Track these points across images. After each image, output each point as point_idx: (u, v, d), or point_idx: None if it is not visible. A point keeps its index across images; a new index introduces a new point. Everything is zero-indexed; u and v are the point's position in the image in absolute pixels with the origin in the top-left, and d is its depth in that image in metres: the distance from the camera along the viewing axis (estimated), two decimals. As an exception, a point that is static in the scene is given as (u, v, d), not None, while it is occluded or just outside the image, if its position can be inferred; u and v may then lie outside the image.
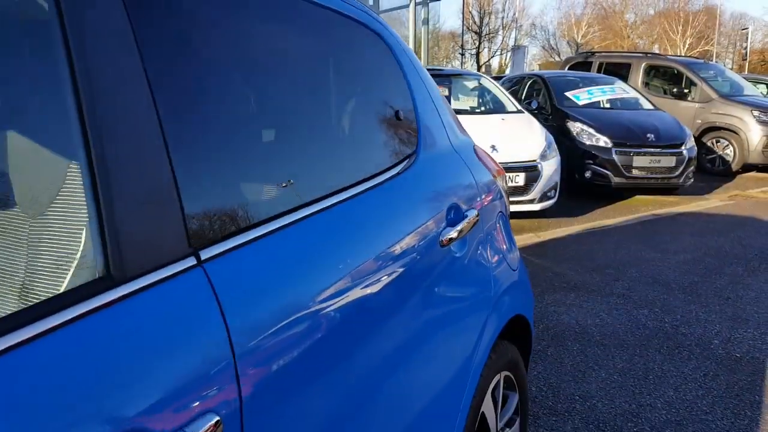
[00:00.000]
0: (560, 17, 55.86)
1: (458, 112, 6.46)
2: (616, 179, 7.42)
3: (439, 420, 1.35)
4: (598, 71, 10.92)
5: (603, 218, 6.60)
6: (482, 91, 7.77)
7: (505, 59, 43.83)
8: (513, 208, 5.75)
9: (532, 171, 6.07)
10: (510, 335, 1.86)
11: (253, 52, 1.03)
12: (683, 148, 7.62)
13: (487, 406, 1.67)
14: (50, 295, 0.67)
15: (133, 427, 0.65)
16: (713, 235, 5.82)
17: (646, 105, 8.78)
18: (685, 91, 10.28)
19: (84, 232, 0.74)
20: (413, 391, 1.23)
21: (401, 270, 1.18)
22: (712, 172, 9.62)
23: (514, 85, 9.80)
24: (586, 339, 3.36)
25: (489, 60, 42.81)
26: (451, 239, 1.42)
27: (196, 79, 0.90)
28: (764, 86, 14.20)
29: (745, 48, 34.17)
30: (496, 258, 1.69)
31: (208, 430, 0.70)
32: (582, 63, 11.86)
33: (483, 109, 7.56)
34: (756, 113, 9.44)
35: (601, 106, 8.57)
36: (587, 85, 8.83)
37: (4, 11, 0.73)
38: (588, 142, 7.58)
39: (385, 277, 1.13)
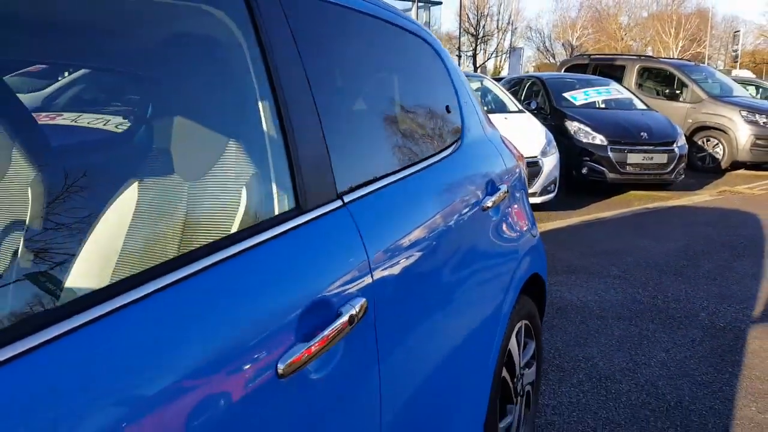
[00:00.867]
0: (555, 20, 56.39)
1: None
2: (611, 175, 7.84)
3: (481, 346, 1.74)
4: (594, 73, 11.35)
5: (599, 211, 7.01)
6: (485, 91, 8.18)
7: (500, 61, 44.36)
8: (516, 201, 6.15)
9: (533, 166, 6.47)
10: (528, 292, 2.26)
11: (359, 64, 1.43)
12: (675, 145, 8.05)
13: (513, 345, 2.07)
14: (228, 232, 1.02)
15: (320, 298, 1.04)
16: (702, 226, 6.24)
17: (640, 105, 9.21)
18: (677, 92, 10.73)
19: (244, 189, 1.12)
20: (465, 318, 1.63)
21: (461, 222, 1.59)
22: (702, 169, 10.06)
23: (514, 86, 10.20)
24: (587, 312, 3.77)
25: (485, 62, 43.29)
26: (487, 207, 1.82)
27: (332, 84, 1.29)
28: (754, 88, 14.68)
29: (735, 50, 34.72)
30: (519, 225, 2.10)
31: (361, 305, 1.09)
32: (578, 65, 12.30)
33: (486, 108, 7.96)
34: (744, 113, 9.89)
35: (597, 106, 8.99)
36: (584, 87, 9.26)
37: (227, 46, 1.12)
38: (585, 140, 8.01)
39: (452, 223, 1.53)
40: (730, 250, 5.29)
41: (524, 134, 6.85)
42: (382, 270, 1.20)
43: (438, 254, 1.47)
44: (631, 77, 11.11)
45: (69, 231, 0.95)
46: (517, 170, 2.17)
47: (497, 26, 43.55)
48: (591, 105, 8.92)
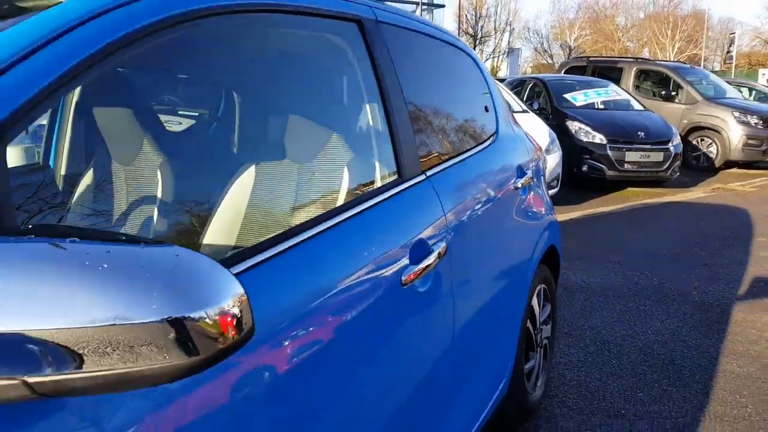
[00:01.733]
0: (553, 21, 56.88)
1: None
2: (610, 172, 8.31)
3: (515, 290, 2.20)
4: (593, 75, 11.79)
5: (599, 206, 7.47)
6: (490, 92, 8.61)
7: (498, 62, 44.85)
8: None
9: (538, 163, 6.92)
10: (546, 262, 2.71)
11: (429, 75, 1.89)
12: (670, 144, 8.52)
13: (534, 303, 2.52)
14: (369, 189, 1.46)
15: (420, 239, 1.48)
16: (696, 219, 6.70)
17: (637, 106, 9.68)
18: (673, 93, 11.19)
19: (345, 168, 1.56)
20: (504, 267, 2.09)
21: (502, 196, 2.04)
22: (697, 167, 10.53)
23: (516, 87, 10.64)
24: (591, 291, 4.23)
25: (484, 62, 43.78)
26: (518, 187, 2.27)
27: (414, 90, 1.74)
28: (747, 89, 15.17)
29: (730, 52, 35.28)
30: (540, 204, 2.55)
31: (444, 246, 1.53)
32: (577, 67, 12.76)
33: (492, 109, 8.40)
34: (736, 114, 10.37)
35: (596, 107, 9.44)
36: (583, 88, 9.72)
37: (346, 63, 1.56)
38: (585, 139, 8.47)
39: (497, 196, 1.99)
40: (721, 240, 5.75)
41: (529, 133, 7.29)
42: (453, 225, 1.65)
43: (487, 217, 1.92)
44: (629, 79, 11.57)
45: (197, 203, 1.29)
46: (538, 160, 2.63)
47: (494, 27, 44.08)
48: (590, 106, 9.37)
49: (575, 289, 4.25)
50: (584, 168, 8.39)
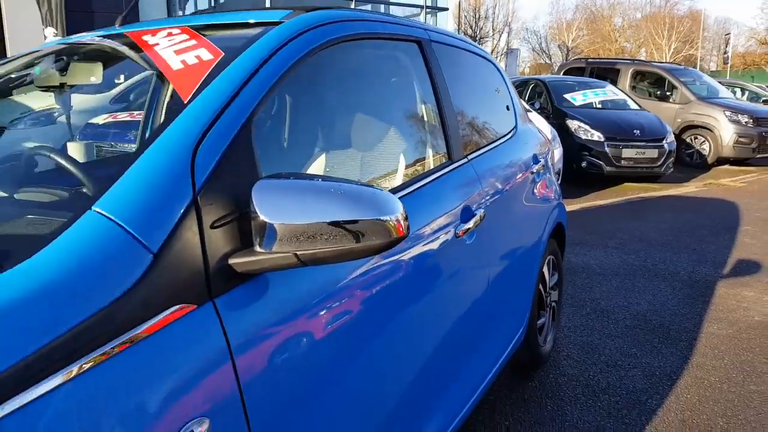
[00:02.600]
0: (551, 21, 57.38)
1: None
2: (607, 168, 8.82)
3: (532, 256, 2.69)
4: (591, 76, 12.31)
5: (597, 199, 7.98)
6: (495, 93, 9.11)
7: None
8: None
9: (540, 159, 7.43)
10: (554, 236, 3.21)
11: (465, 81, 2.38)
12: (664, 142, 9.03)
13: (545, 270, 3.02)
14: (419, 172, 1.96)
15: (466, 205, 1.97)
16: (688, 211, 7.21)
17: (633, 105, 10.19)
18: (667, 93, 11.72)
19: (401, 156, 2.05)
20: (525, 235, 2.59)
21: (523, 177, 2.55)
22: (690, 164, 11.05)
23: (518, 88, 11.14)
24: (590, 270, 4.73)
25: (482, 62, 44.18)
26: (533, 172, 2.77)
27: (456, 93, 2.23)
28: (739, 89, 15.71)
29: (726, 53, 35.86)
30: (550, 187, 3.05)
31: (482, 213, 2.03)
32: (576, 68, 13.28)
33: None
34: (728, 113, 10.89)
35: (595, 106, 9.95)
36: (582, 89, 10.23)
37: (407, 73, 2.06)
38: (584, 137, 8.98)
39: (519, 177, 2.49)
40: (710, 229, 6.26)
41: (532, 131, 7.80)
42: (488, 197, 2.15)
43: (511, 194, 2.42)
44: (626, 80, 12.09)
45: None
46: (547, 150, 3.13)
47: (493, 27, 44.58)
48: (589, 105, 9.87)
49: (577, 269, 4.75)
50: (583, 164, 8.90)
